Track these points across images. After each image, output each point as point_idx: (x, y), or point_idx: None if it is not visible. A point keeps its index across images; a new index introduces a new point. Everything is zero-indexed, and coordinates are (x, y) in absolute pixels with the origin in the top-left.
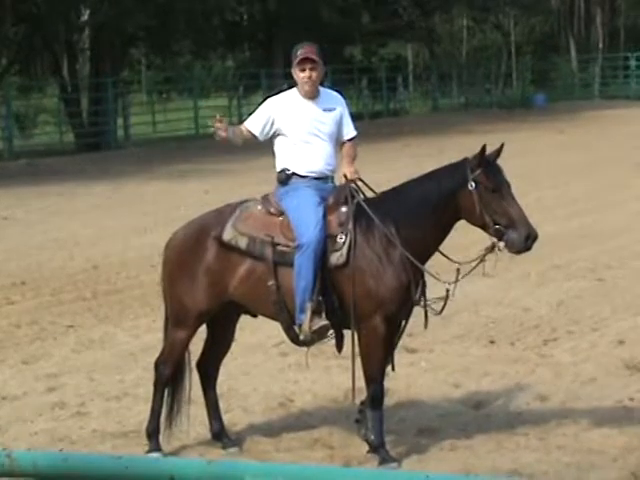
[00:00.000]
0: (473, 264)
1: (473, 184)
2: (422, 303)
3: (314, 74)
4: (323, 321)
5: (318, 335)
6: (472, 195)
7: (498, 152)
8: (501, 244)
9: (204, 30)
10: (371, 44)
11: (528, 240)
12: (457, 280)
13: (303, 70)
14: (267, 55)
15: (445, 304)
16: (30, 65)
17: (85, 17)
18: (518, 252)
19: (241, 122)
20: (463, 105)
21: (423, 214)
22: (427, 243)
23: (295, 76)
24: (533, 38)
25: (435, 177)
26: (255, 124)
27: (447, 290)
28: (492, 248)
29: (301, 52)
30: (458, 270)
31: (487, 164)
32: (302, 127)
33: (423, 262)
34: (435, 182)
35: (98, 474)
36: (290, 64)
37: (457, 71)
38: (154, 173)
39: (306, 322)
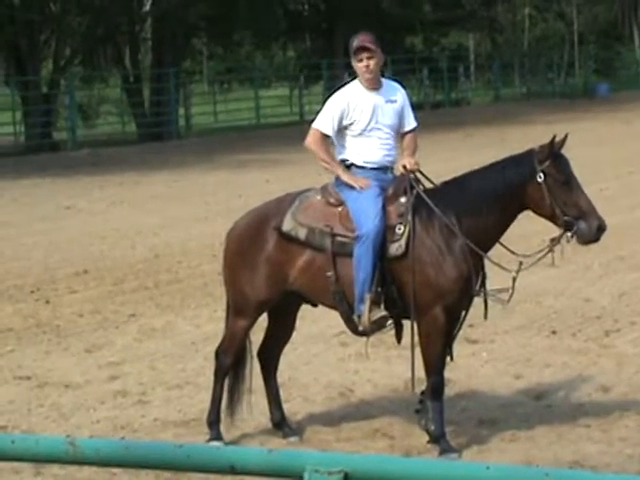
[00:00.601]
0: (539, 255)
1: (542, 176)
2: (482, 294)
3: (372, 62)
4: (382, 312)
5: (377, 326)
6: (541, 187)
7: (562, 142)
8: (569, 235)
9: (266, 20)
10: (432, 34)
11: (598, 231)
12: (523, 269)
13: (361, 60)
14: (328, 45)
15: (512, 295)
16: (93, 55)
17: (147, 7)
18: (587, 243)
19: (303, 113)
20: (525, 95)
21: (487, 205)
22: (489, 234)
23: (355, 67)
24: (596, 27)
25: (500, 168)
26: (326, 125)
27: (513, 279)
28: (560, 239)
29: (357, 42)
30: (521, 263)
31: (555, 156)
32: (365, 119)
33: (485, 253)
34: (500, 173)
35: (159, 462)
36: (350, 54)
37: (519, 61)
38: (215, 163)
39: (365, 313)
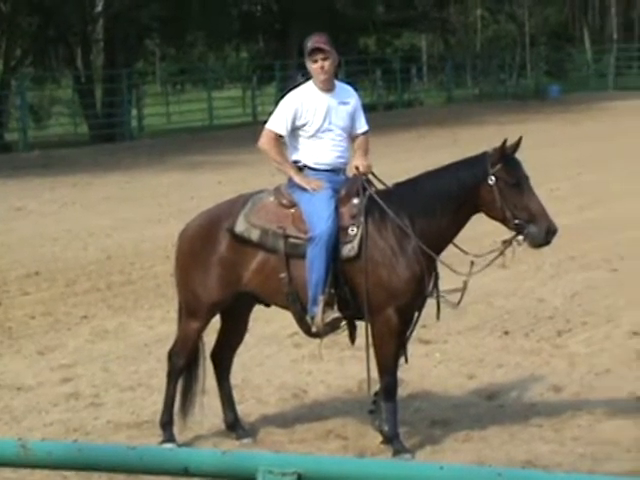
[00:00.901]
0: (490, 257)
1: (493, 178)
2: (435, 295)
3: (326, 63)
4: (335, 313)
5: (330, 327)
6: (493, 190)
7: (516, 145)
8: (520, 238)
9: (219, 21)
10: (385, 35)
11: (549, 234)
12: (474, 272)
13: (315, 61)
14: (281, 46)
15: (462, 296)
16: (44, 56)
17: (99, 8)
18: (538, 246)
19: (255, 114)
20: (477, 96)
21: (440, 206)
22: (442, 235)
23: (309, 68)
24: (547, 29)
25: (454, 170)
26: (279, 125)
27: (464, 282)
28: (511, 241)
29: (311, 43)
30: (472, 262)
31: (507, 158)
32: (318, 120)
33: (437, 254)
34: (454, 175)
35: (112, 464)
36: (304, 55)
37: (471, 62)
38: (168, 164)
39: (318, 314)
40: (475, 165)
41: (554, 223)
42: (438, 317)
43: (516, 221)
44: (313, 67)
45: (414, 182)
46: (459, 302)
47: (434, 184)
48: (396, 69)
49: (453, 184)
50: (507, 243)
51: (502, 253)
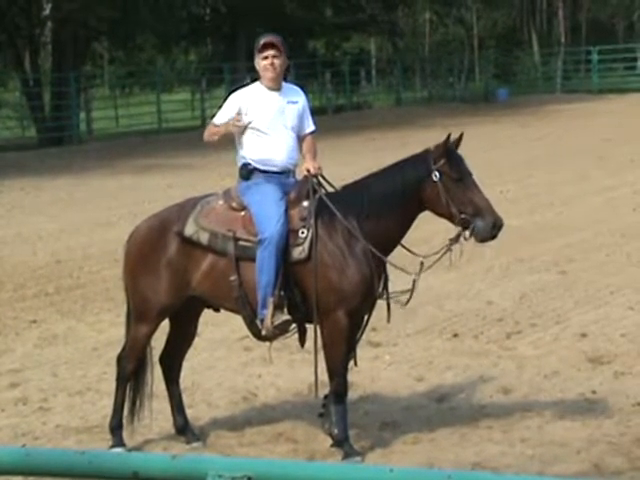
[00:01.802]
0: (438, 255)
1: (437, 174)
2: (385, 296)
3: (277, 62)
4: (285, 316)
5: (280, 330)
6: (437, 186)
7: (458, 141)
8: (467, 233)
9: (167, 23)
10: (334, 38)
11: (494, 228)
12: (423, 271)
13: (266, 58)
14: (230, 49)
15: (411, 296)
16: None
17: (47, 11)
18: (484, 240)
19: (205, 117)
20: (426, 99)
21: (386, 206)
22: (391, 236)
23: (257, 66)
24: (495, 32)
25: (398, 169)
26: (222, 120)
27: (414, 281)
28: (457, 238)
29: (264, 39)
30: (422, 263)
31: (450, 154)
32: (267, 118)
33: (386, 255)
34: (398, 174)
35: (61, 469)
36: (253, 57)
37: (420, 65)
38: (117, 168)
39: (268, 317)
40: (418, 163)
41: (500, 217)
42: (389, 320)
43: (462, 216)
44: (262, 64)
45: (361, 184)
46: (407, 302)
47: (380, 184)
48: (345, 72)
49: (398, 183)
50: (453, 240)
51: (449, 250)
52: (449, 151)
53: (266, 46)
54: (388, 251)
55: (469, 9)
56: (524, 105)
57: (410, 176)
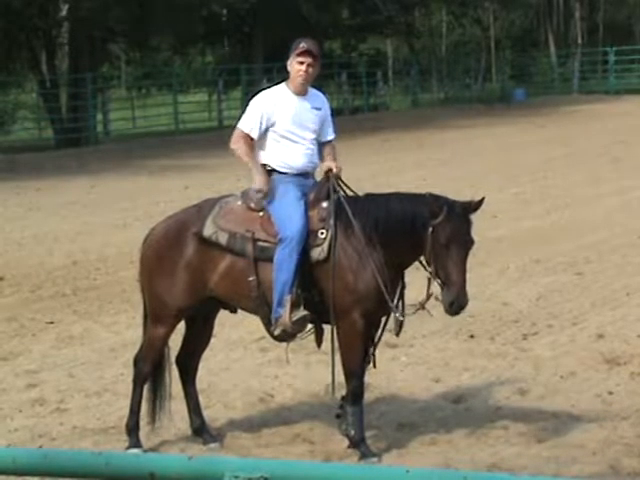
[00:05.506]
0: (415, 307)
1: (431, 229)
2: (399, 307)
3: (311, 69)
4: (302, 312)
5: (298, 326)
6: (427, 239)
7: (478, 205)
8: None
9: (184, 24)
10: (350, 39)
11: (452, 305)
12: (410, 314)
13: (302, 63)
14: (247, 50)
15: (400, 331)
16: (8, 60)
17: (64, 12)
18: (446, 312)
19: (221, 119)
20: (443, 100)
21: (399, 229)
22: (401, 254)
23: (290, 67)
24: (512, 33)
25: (416, 201)
26: (249, 125)
27: (400, 321)
28: (428, 298)
29: (305, 44)
30: (429, 279)
31: (449, 218)
32: (291, 123)
33: (398, 271)
34: (415, 207)
35: (78, 470)
36: (270, 59)
37: (437, 66)
38: (133, 169)
39: (286, 314)
40: (423, 209)
41: (464, 298)
42: (397, 334)
43: (437, 278)
44: (296, 68)
45: (382, 197)
46: (397, 334)
47: (400, 207)
48: (362, 73)
49: (408, 214)
50: (424, 300)
51: (422, 307)
52: (449, 215)
53: (305, 52)
54: (403, 267)
55: (486, 10)
56: (541, 106)
57: (419, 217)
